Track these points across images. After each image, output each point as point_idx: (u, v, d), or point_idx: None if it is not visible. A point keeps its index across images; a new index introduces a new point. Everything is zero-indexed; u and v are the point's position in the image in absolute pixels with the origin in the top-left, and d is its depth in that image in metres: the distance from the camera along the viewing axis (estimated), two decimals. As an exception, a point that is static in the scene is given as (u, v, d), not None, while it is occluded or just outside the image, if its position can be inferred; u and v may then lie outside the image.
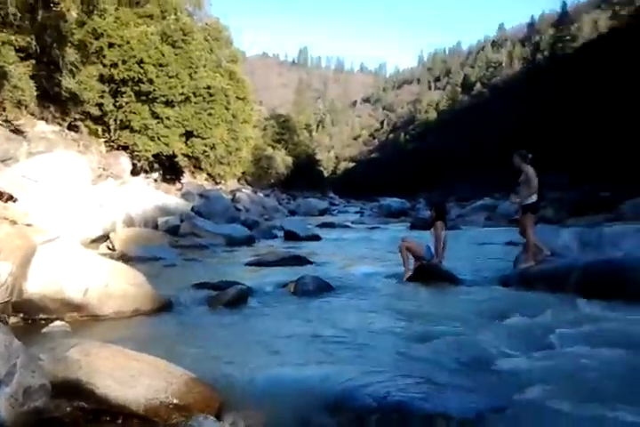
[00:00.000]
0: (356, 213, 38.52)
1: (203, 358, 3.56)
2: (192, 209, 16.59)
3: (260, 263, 8.57)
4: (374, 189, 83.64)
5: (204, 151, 30.53)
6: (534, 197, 6.85)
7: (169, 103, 27.31)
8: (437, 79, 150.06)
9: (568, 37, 58.11)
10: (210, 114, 30.07)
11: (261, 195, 44.47)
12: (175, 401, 2.74)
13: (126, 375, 2.70)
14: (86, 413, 2.70)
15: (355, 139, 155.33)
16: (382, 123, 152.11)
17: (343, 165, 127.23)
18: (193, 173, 34.62)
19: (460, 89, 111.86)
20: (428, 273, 6.91)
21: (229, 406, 2.89)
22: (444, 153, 77.25)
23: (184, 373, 2.93)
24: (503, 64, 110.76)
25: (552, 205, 28.50)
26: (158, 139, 27.25)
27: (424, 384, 2.93)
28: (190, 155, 30.18)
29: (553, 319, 4.60)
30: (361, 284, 6.73)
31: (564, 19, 60.65)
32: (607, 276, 5.54)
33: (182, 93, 27.60)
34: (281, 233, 15.63)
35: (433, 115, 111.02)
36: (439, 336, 4.06)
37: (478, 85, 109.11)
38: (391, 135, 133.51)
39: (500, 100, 71.93)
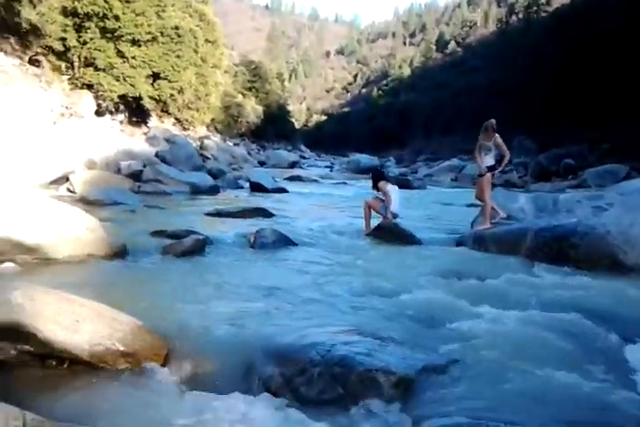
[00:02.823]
0: (326, 167, 38.49)
1: (152, 306, 3.56)
2: (156, 155, 16.26)
3: (221, 214, 8.49)
4: (346, 143, 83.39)
5: (172, 95, 29.61)
6: (493, 160, 7.09)
7: (135, 42, 26.17)
8: (412, 35, 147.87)
9: (542, 0, 57.21)
10: (178, 56, 28.99)
11: (230, 144, 43.91)
12: (121, 348, 2.74)
13: (70, 320, 2.68)
14: (32, 356, 2.69)
15: (327, 91, 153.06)
16: (355, 76, 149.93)
17: (315, 118, 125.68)
18: (160, 117, 33.69)
19: (434, 47, 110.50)
20: (387, 231, 6.99)
21: (176, 354, 2.91)
22: (416, 111, 76.88)
23: (131, 320, 2.93)
24: (478, 24, 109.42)
25: (517, 169, 28.95)
26: (124, 79, 26.24)
27: (370, 340, 2.99)
28: (157, 98, 29.23)
29: (502, 281, 4.72)
30: (321, 238, 6.77)
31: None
32: (557, 241, 5.67)
33: (149, 32, 26.43)
34: (247, 184, 15.50)
35: (407, 71, 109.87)
36: (390, 293, 4.13)
37: (453, 44, 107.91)
38: (364, 89, 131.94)
39: (473, 60, 71.43)
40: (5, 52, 21.40)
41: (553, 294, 4.22)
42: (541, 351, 3.04)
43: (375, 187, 7.86)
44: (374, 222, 7.51)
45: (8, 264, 4.32)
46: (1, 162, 8.66)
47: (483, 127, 7.19)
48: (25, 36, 22.26)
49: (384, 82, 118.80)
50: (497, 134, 7.11)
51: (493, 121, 7.21)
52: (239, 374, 2.80)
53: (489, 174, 7.14)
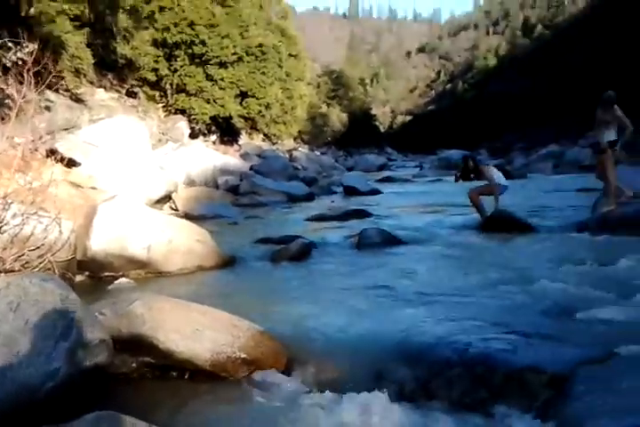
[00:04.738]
0: (416, 167, 37.75)
1: (268, 312, 3.44)
2: (251, 168, 16.59)
3: (321, 218, 8.42)
4: (433, 142, 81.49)
5: (260, 111, 30.29)
6: (615, 135, 6.51)
7: (222, 64, 27.07)
8: (496, 23, 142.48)
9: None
10: (263, 73, 29.67)
11: (318, 153, 44.27)
12: (242, 356, 2.63)
13: (191, 329, 2.59)
14: (153, 368, 2.63)
15: (411, 91, 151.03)
16: (439, 73, 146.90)
17: (400, 119, 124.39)
18: (250, 134, 34.60)
19: (520, 33, 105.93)
20: (499, 221, 6.54)
21: (297, 360, 2.75)
22: (506, 101, 74.00)
23: (250, 326, 2.81)
24: (566, 2, 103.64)
25: (623, 148, 26.92)
26: (214, 101, 27.20)
27: (507, 335, 2.69)
28: (246, 116, 30.03)
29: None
30: (428, 235, 6.46)
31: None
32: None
33: (235, 53, 27.27)
34: (340, 189, 15.42)
35: (492, 61, 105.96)
36: (518, 285, 3.79)
37: (540, 27, 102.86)
38: (449, 85, 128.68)
39: (564, 42, 67.68)
40: (105, 88, 22.85)
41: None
42: None
43: (474, 173, 7.41)
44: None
45: (123, 280, 4.40)
46: (111, 186, 9.11)
47: (601, 101, 6.63)
48: (121, 71, 23.67)
49: (469, 75, 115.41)
50: (616, 106, 6.53)
51: (612, 93, 6.65)
52: (367, 378, 2.58)
53: (610, 151, 6.55)
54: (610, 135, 6.64)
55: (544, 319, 3.05)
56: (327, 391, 2.49)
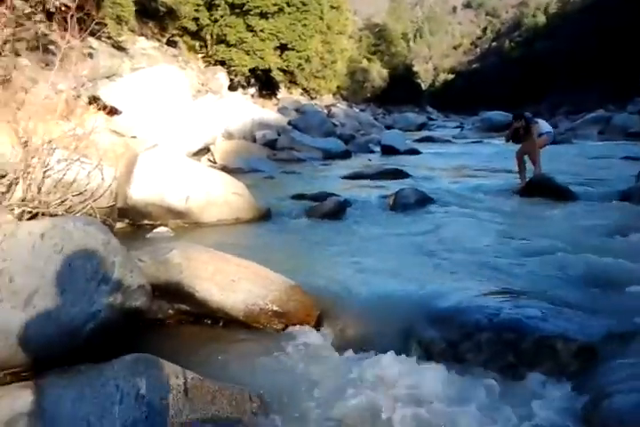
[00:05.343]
0: (456, 127, 36.96)
1: (302, 267, 3.49)
2: (288, 123, 16.47)
3: (357, 176, 8.38)
4: (475, 102, 79.29)
5: (299, 64, 29.85)
6: None
7: (263, 15, 26.60)
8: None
9: None
10: (304, 25, 29.03)
11: (357, 110, 43.57)
12: (275, 308, 2.69)
13: (227, 280, 2.65)
14: (189, 315, 2.72)
15: (455, 48, 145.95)
16: (485, 30, 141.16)
17: (442, 77, 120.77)
18: (289, 88, 34.22)
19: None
20: (539, 187, 6.40)
21: (329, 316, 2.80)
22: (554, 60, 71.08)
23: (284, 280, 2.85)
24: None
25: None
26: (254, 53, 26.90)
27: (540, 303, 2.67)
28: (285, 69, 29.65)
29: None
30: (465, 198, 6.38)
31: None
32: None
33: (275, 4, 26.71)
34: (378, 148, 15.25)
35: (542, 19, 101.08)
36: (554, 253, 3.73)
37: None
38: (494, 43, 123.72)
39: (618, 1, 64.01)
40: (146, 37, 22.73)
41: None
42: None
43: (525, 132, 7.15)
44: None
45: (162, 228, 4.50)
46: (151, 136, 9.19)
47: None
48: (162, 19, 23.48)
49: (516, 33, 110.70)
50: None
51: None
52: (396, 337, 2.61)
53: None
54: None
55: (577, 289, 3.02)
56: (355, 349, 2.54)
